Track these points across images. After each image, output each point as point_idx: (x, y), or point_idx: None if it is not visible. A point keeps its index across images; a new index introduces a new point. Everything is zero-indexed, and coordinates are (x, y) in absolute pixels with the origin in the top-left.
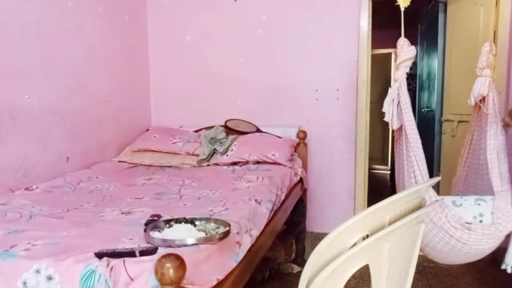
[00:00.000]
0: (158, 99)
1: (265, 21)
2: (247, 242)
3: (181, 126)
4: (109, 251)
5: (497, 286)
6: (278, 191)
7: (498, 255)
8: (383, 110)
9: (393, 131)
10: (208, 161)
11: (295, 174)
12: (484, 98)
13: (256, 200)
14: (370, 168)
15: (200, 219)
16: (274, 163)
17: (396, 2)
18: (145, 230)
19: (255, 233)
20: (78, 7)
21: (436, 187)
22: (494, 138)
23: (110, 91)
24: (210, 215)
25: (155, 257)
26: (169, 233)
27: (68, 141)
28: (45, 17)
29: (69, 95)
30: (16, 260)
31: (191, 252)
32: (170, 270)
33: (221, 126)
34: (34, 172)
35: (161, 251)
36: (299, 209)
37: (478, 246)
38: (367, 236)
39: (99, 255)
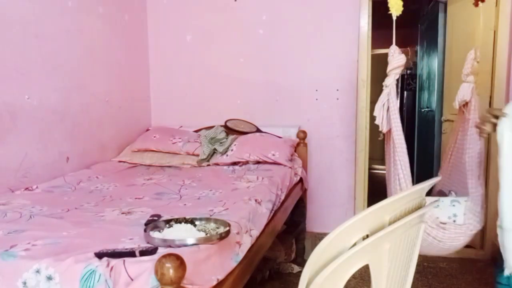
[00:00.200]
0: (158, 99)
1: (265, 21)
2: (247, 242)
3: (181, 126)
4: (109, 251)
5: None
6: (278, 191)
7: (498, 255)
8: (374, 114)
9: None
10: (208, 161)
11: (295, 174)
12: (467, 103)
13: (256, 200)
14: (370, 168)
15: (200, 219)
16: (274, 163)
17: (389, 10)
18: (145, 230)
19: (255, 233)
20: (78, 7)
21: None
22: (473, 142)
23: (110, 91)
24: (210, 215)
25: (155, 257)
26: (169, 233)
27: (68, 141)
28: (45, 17)
29: (69, 95)
30: (16, 260)
31: (191, 252)
32: (170, 270)
33: (221, 126)
34: (34, 172)
35: (161, 251)
36: (299, 209)
37: (452, 243)
38: (367, 236)
39: (99, 255)
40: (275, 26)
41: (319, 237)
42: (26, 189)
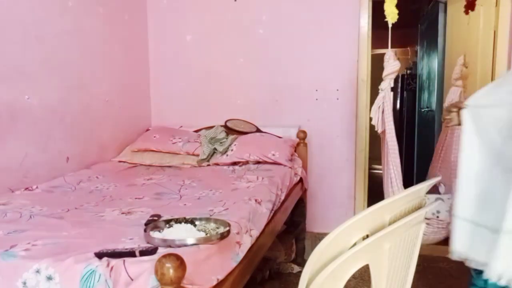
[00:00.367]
0: (158, 99)
1: (265, 21)
2: (247, 242)
3: (181, 126)
4: (109, 251)
5: None
6: (278, 191)
7: None
8: (371, 115)
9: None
10: (208, 161)
11: (295, 174)
12: None
13: (256, 200)
14: (370, 168)
15: (200, 219)
16: (274, 163)
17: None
18: (145, 230)
19: (255, 233)
20: (78, 7)
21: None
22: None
23: (110, 91)
24: (210, 215)
25: (155, 257)
26: (169, 233)
27: (68, 141)
28: (45, 17)
29: (69, 95)
30: (16, 260)
31: (191, 252)
32: (170, 270)
33: (221, 126)
34: (34, 172)
35: (161, 251)
36: (299, 209)
37: (434, 236)
38: (367, 236)
39: (99, 255)
40: (275, 26)
41: (319, 237)
42: (26, 189)
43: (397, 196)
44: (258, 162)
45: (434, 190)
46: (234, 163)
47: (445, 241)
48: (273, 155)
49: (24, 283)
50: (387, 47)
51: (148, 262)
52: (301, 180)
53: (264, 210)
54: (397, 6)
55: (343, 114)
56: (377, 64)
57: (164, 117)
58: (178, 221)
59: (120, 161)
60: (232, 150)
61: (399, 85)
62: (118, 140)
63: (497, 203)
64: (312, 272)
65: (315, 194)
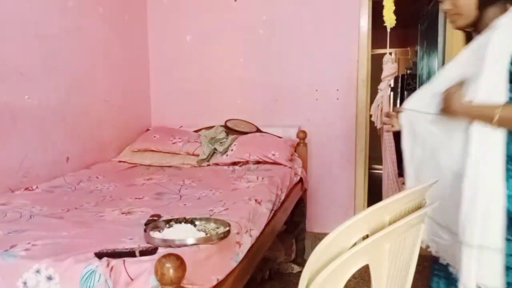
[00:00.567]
0: (158, 99)
1: (265, 21)
2: (247, 242)
3: (181, 126)
4: (109, 251)
5: None
6: (278, 191)
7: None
8: (371, 113)
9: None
10: (208, 161)
11: (295, 174)
12: None
13: (256, 200)
14: (370, 168)
15: (200, 219)
16: (274, 163)
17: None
18: (145, 230)
19: (255, 233)
20: (78, 7)
21: None
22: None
23: (110, 91)
24: (210, 215)
25: (155, 257)
26: (169, 233)
27: (68, 141)
28: (45, 17)
29: (69, 95)
30: (16, 260)
31: (191, 252)
32: (170, 270)
33: (221, 126)
34: (34, 172)
35: (161, 251)
36: (299, 209)
37: None
38: (367, 236)
39: (99, 255)
40: (275, 26)
41: (319, 237)
42: (26, 189)
43: (397, 196)
44: (258, 162)
45: None
46: (234, 163)
47: None
48: (273, 155)
49: (24, 283)
50: (387, 47)
51: (148, 262)
52: (301, 180)
53: (264, 210)
54: (397, 6)
55: (343, 114)
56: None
57: (164, 117)
58: (178, 221)
59: (120, 161)
60: (232, 150)
61: (399, 85)
62: (118, 140)
63: (448, 204)
64: (312, 272)
65: (315, 194)
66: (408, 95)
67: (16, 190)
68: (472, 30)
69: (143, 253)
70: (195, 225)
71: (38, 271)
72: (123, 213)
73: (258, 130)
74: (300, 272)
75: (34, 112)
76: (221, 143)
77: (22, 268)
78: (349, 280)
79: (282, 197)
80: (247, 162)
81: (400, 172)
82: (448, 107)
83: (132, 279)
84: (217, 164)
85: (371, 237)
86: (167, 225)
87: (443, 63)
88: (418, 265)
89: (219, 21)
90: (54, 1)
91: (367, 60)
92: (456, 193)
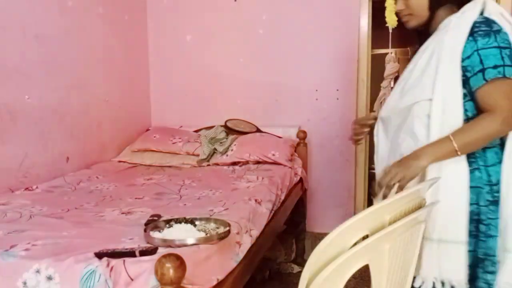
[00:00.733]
0: (158, 99)
1: (265, 21)
2: (247, 242)
3: (181, 126)
4: (109, 251)
5: None
6: (278, 191)
7: None
8: (374, 109)
9: None
10: (208, 161)
11: (295, 174)
12: None
13: (256, 200)
14: (370, 168)
15: (200, 219)
16: (274, 163)
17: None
18: (145, 230)
19: (255, 233)
20: (78, 7)
21: None
22: None
23: (110, 91)
24: (210, 215)
25: (155, 257)
26: (169, 233)
27: (68, 141)
28: (45, 17)
29: (69, 95)
30: (16, 260)
31: (191, 252)
32: (170, 270)
33: (221, 126)
34: (34, 172)
35: (161, 251)
36: (299, 209)
37: None
38: (367, 236)
39: (99, 255)
40: (275, 26)
41: (319, 237)
42: (26, 189)
43: (397, 196)
44: (258, 162)
45: None
46: (234, 163)
47: None
48: (273, 155)
49: (25, 283)
50: (387, 47)
51: (148, 262)
52: (301, 180)
53: (264, 210)
54: None
55: (343, 114)
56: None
57: (164, 117)
58: (178, 221)
59: (120, 161)
60: (232, 150)
61: None
62: (118, 140)
63: None
64: (312, 272)
65: (315, 194)
66: None
67: (16, 190)
68: (424, 30)
69: (143, 253)
70: (195, 225)
71: (38, 271)
72: (123, 213)
73: (258, 130)
74: (300, 272)
75: (34, 112)
76: (221, 143)
77: (22, 268)
78: (349, 280)
79: (282, 197)
80: (247, 162)
81: None
82: (411, 172)
83: (132, 279)
84: (217, 164)
85: (371, 237)
86: (167, 225)
87: None
88: None
89: (219, 21)
90: (54, 1)
91: (367, 60)
92: None
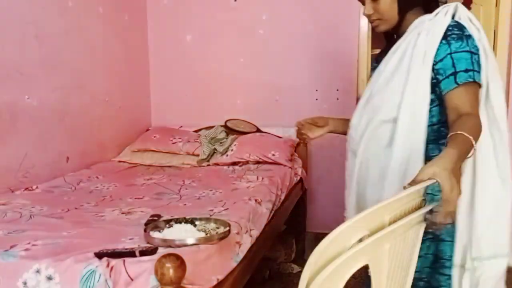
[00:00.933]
0: (158, 99)
1: (265, 21)
2: (247, 242)
3: (181, 126)
4: (109, 251)
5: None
6: (278, 191)
7: None
8: None
9: None
10: (208, 161)
11: (295, 174)
12: None
13: (256, 200)
14: None
15: (200, 219)
16: (274, 163)
17: None
18: (145, 230)
19: (255, 233)
20: (78, 7)
21: None
22: None
23: (110, 91)
24: (210, 215)
25: (155, 257)
26: (169, 233)
27: (68, 141)
28: (45, 17)
29: (69, 95)
30: (16, 260)
31: (191, 252)
32: (170, 270)
33: (221, 126)
34: (34, 172)
35: (161, 251)
36: (299, 209)
37: None
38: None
39: (99, 255)
40: (275, 26)
41: (319, 237)
42: (26, 189)
43: (397, 196)
44: (258, 162)
45: None
46: (234, 163)
47: None
48: (273, 155)
49: (25, 283)
50: None
51: (148, 262)
52: (301, 180)
53: (264, 210)
54: None
55: (343, 114)
56: None
57: (164, 117)
58: (178, 221)
59: (120, 161)
60: (232, 150)
61: None
62: (118, 140)
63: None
64: (312, 272)
65: (315, 194)
66: None
67: (16, 190)
68: (393, 33)
69: (143, 253)
70: (195, 225)
71: (38, 271)
72: (123, 213)
73: (258, 130)
74: (300, 272)
75: (34, 112)
76: (221, 143)
77: (22, 268)
78: (349, 280)
79: (282, 197)
80: (247, 162)
81: None
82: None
83: (132, 279)
84: (217, 164)
85: (370, 237)
86: (167, 225)
87: None
88: None
89: (219, 21)
90: (54, 1)
91: (367, 60)
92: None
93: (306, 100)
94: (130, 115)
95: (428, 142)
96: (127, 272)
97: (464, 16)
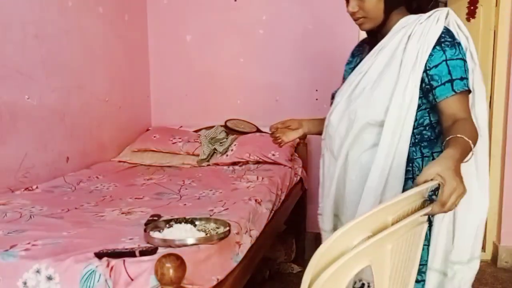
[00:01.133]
0: (158, 99)
1: (265, 21)
2: (247, 242)
3: (181, 126)
4: (109, 251)
5: (497, 286)
6: (278, 191)
7: (497, 255)
8: None
9: None
10: (208, 161)
11: (295, 174)
12: None
13: (256, 200)
14: None
15: (200, 219)
16: (274, 163)
17: None
18: (145, 230)
19: (255, 233)
20: (78, 7)
21: None
22: None
23: (110, 91)
24: (210, 215)
25: (155, 257)
26: (169, 233)
27: (68, 141)
28: (45, 17)
29: (69, 95)
30: (16, 260)
31: (191, 252)
32: (170, 270)
33: (221, 126)
34: (34, 172)
35: (161, 251)
36: (299, 209)
37: None
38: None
39: (99, 255)
40: (275, 26)
41: (319, 237)
42: (26, 189)
43: (401, 196)
44: (258, 162)
45: None
46: (234, 163)
47: None
48: (273, 155)
49: (25, 283)
50: None
51: (148, 262)
52: (301, 180)
53: (264, 210)
54: None
55: None
56: None
57: (164, 117)
58: (178, 221)
59: (120, 161)
60: (232, 150)
61: None
62: (118, 140)
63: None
64: (314, 274)
65: (315, 194)
66: None
67: (16, 190)
68: (376, 32)
69: (143, 253)
70: (195, 225)
71: (38, 271)
72: (123, 213)
73: (258, 130)
74: (300, 272)
75: (34, 112)
76: (221, 143)
77: (22, 268)
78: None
79: (282, 197)
80: (247, 162)
81: None
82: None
83: (132, 279)
84: (217, 164)
85: (372, 238)
86: (167, 225)
87: None
88: None
89: (219, 21)
90: (54, 1)
91: None
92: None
93: (306, 100)
94: (130, 115)
95: (410, 145)
96: (127, 272)
97: (453, 21)
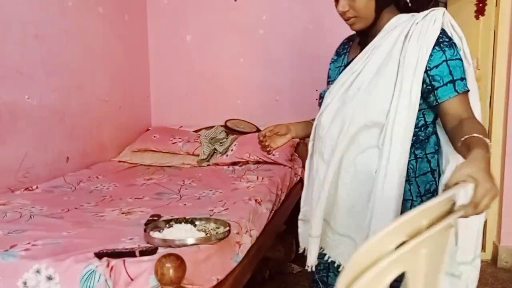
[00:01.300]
0: (158, 99)
1: (265, 21)
2: (247, 242)
3: (181, 126)
4: (109, 251)
5: (497, 286)
6: (278, 191)
7: (497, 255)
8: None
9: None
10: (208, 161)
11: (295, 174)
12: None
13: (256, 200)
14: None
15: (200, 219)
16: (274, 163)
17: None
18: (145, 230)
19: (255, 233)
20: (78, 7)
21: None
22: None
23: (110, 91)
24: (210, 215)
25: (155, 257)
26: (169, 233)
27: (68, 141)
28: (45, 17)
29: (69, 95)
30: (16, 260)
31: (191, 252)
32: (170, 270)
33: (221, 126)
34: (34, 172)
35: (161, 251)
36: (299, 209)
37: None
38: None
39: (99, 255)
40: (275, 26)
41: None
42: (26, 189)
43: (436, 200)
44: (258, 162)
45: None
46: (234, 163)
47: None
48: (273, 155)
49: (25, 283)
50: None
51: (148, 262)
52: (301, 180)
53: (264, 210)
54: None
55: None
56: None
57: (164, 117)
58: (178, 221)
59: (120, 161)
60: (232, 150)
61: None
62: (118, 140)
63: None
64: (349, 280)
65: None
66: None
67: (16, 190)
68: (367, 31)
69: (143, 253)
70: (195, 225)
71: (38, 271)
72: (123, 213)
73: (258, 130)
74: (300, 272)
75: (34, 112)
76: (221, 143)
77: (22, 268)
78: None
79: (282, 197)
80: (247, 162)
81: None
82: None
83: (132, 279)
84: (217, 164)
85: (407, 244)
86: (167, 225)
87: None
88: None
89: (219, 21)
90: (54, 1)
91: None
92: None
93: (306, 100)
94: (130, 115)
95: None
96: (127, 272)
97: (447, 21)
